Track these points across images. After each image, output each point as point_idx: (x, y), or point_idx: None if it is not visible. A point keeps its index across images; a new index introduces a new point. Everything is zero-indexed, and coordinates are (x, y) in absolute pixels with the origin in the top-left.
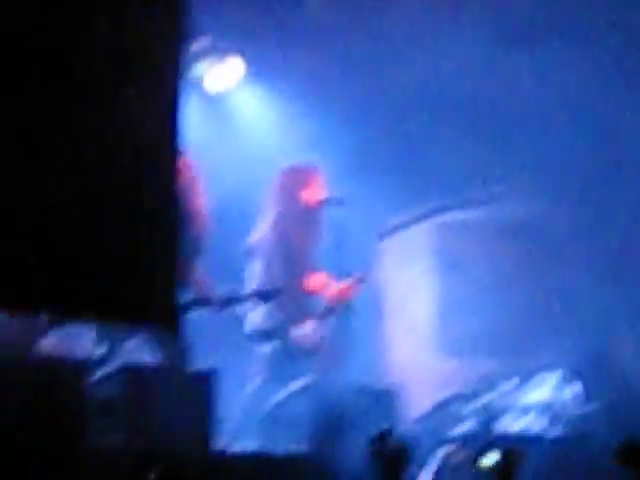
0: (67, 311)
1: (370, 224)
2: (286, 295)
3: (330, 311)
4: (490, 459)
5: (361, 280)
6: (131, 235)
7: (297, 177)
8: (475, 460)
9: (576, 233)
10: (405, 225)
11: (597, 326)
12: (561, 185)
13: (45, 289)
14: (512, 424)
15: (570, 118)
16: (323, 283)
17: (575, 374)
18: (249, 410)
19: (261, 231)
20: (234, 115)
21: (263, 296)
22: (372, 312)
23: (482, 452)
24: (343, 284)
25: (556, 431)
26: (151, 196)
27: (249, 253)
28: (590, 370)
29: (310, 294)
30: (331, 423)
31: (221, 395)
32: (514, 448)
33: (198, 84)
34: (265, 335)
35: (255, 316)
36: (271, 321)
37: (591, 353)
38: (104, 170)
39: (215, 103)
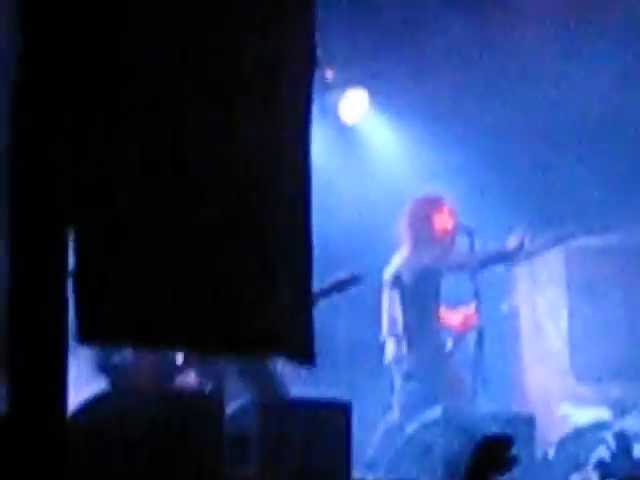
0: (198, 346)
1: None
2: (420, 331)
3: (458, 341)
4: None
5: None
6: (262, 260)
7: (430, 206)
8: None
9: None
10: (536, 251)
11: None
12: None
13: (174, 323)
14: None
15: None
16: (448, 313)
17: None
18: (383, 442)
19: (396, 262)
20: (363, 144)
21: (346, 284)
22: (506, 339)
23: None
24: (467, 311)
25: None
26: (282, 216)
27: (385, 285)
28: None
29: (440, 325)
30: (465, 453)
31: (357, 424)
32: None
33: (330, 113)
34: (404, 376)
35: (390, 350)
36: (405, 362)
37: None
38: (231, 194)
39: (345, 132)
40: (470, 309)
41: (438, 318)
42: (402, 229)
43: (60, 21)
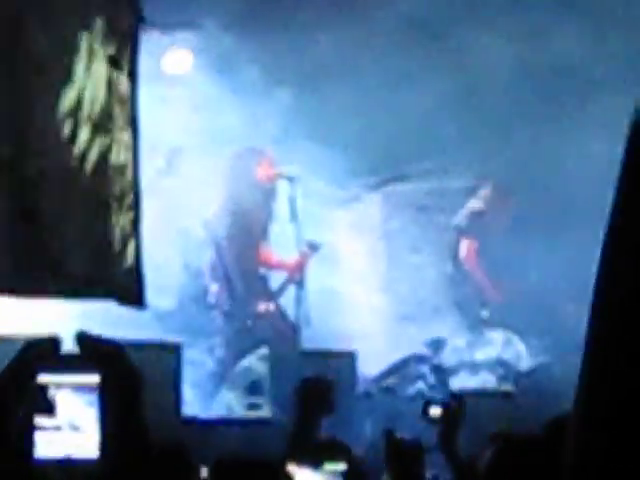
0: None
1: (322, 197)
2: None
3: (286, 284)
4: (436, 409)
5: (314, 248)
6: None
7: (250, 157)
8: (424, 411)
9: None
10: (355, 197)
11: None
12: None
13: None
14: (466, 381)
15: None
16: (277, 258)
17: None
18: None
19: (214, 208)
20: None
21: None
22: (327, 279)
23: (429, 404)
24: (298, 256)
25: (507, 386)
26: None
27: (205, 227)
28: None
29: (265, 267)
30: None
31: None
32: (456, 399)
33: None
34: (227, 315)
35: (214, 290)
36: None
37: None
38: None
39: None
40: (300, 254)
41: (261, 260)
42: (220, 180)
43: None
